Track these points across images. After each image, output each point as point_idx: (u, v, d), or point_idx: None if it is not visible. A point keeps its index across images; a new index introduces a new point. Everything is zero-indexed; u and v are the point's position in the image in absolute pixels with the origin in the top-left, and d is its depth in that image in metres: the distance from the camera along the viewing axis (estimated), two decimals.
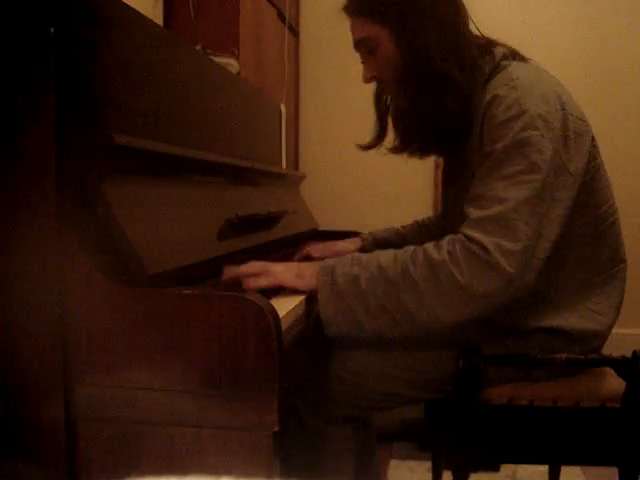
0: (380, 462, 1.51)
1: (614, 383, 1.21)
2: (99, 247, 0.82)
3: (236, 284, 1.06)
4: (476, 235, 1.01)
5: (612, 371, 1.25)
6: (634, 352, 1.15)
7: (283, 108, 1.97)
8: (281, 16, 2.23)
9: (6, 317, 0.83)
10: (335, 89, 2.55)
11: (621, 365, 1.17)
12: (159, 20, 1.71)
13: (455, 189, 1.28)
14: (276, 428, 0.78)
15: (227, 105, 1.39)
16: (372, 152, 2.54)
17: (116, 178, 0.88)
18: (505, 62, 1.16)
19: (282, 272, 1.08)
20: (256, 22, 1.94)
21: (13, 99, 0.82)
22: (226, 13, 1.75)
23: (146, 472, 0.81)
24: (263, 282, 1.05)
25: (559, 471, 1.56)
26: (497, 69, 1.15)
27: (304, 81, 2.57)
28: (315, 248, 1.52)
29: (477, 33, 1.23)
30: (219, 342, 0.79)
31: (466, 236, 1.03)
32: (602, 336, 1.19)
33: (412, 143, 1.27)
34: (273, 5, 2.13)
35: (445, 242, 1.04)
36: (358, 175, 2.55)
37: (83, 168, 0.84)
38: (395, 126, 1.26)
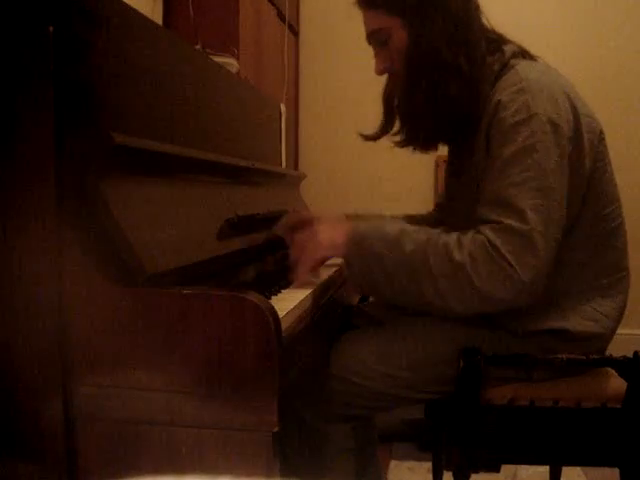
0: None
1: (615, 383, 1.20)
2: (98, 247, 0.82)
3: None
4: (499, 244, 1.04)
5: (613, 371, 1.25)
6: (635, 352, 1.15)
7: (283, 108, 1.96)
8: (281, 16, 2.23)
9: (6, 317, 0.83)
10: (335, 89, 2.55)
11: (622, 365, 1.17)
12: (159, 20, 1.71)
13: (459, 183, 1.28)
14: (276, 428, 0.78)
15: (227, 105, 1.38)
16: (372, 152, 2.53)
17: (116, 178, 0.87)
18: (514, 61, 1.16)
19: (315, 250, 1.16)
20: (256, 22, 1.94)
21: (12, 99, 0.82)
22: (226, 13, 1.75)
23: (146, 472, 0.81)
24: (302, 277, 1.16)
25: (560, 472, 1.55)
26: (506, 68, 1.15)
27: (304, 81, 2.57)
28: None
29: (489, 27, 1.22)
30: (219, 342, 0.78)
31: (489, 241, 1.05)
32: (605, 339, 1.19)
33: (417, 133, 1.26)
34: (273, 5, 2.13)
35: (468, 241, 1.06)
36: (358, 175, 2.55)
37: (82, 168, 0.83)
38: (401, 115, 1.26)
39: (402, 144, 1.29)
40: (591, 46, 2.33)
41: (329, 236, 1.17)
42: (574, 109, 1.09)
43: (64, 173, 0.82)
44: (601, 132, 1.16)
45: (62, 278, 0.81)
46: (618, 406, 1.16)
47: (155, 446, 0.81)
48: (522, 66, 1.13)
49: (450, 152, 1.39)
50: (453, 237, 1.08)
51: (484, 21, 1.21)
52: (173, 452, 0.81)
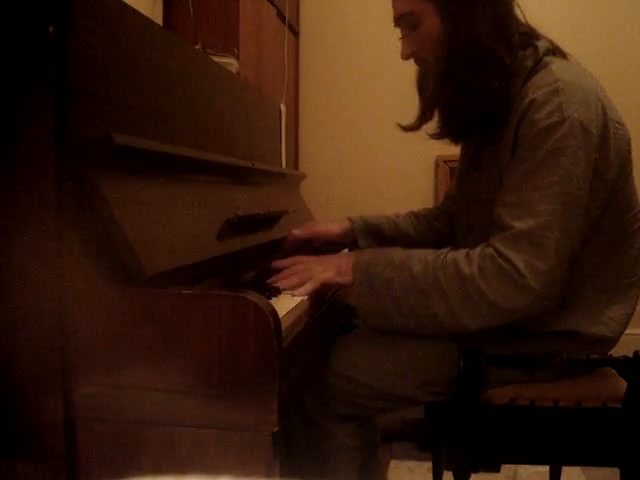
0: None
1: (615, 383, 1.20)
2: (98, 247, 0.82)
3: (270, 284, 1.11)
4: (508, 252, 1.03)
5: (613, 371, 1.24)
6: (635, 352, 1.15)
7: (283, 108, 1.96)
8: (281, 16, 2.23)
9: (6, 317, 0.83)
10: (335, 89, 2.54)
11: (622, 365, 1.17)
12: (158, 20, 1.71)
13: (475, 177, 1.25)
14: (276, 428, 0.78)
15: (227, 105, 1.38)
16: (372, 152, 2.53)
17: (116, 178, 0.87)
18: (548, 58, 1.13)
19: (323, 272, 1.14)
20: (256, 22, 1.94)
21: (12, 99, 0.82)
22: (226, 13, 1.75)
23: (146, 472, 0.81)
24: (309, 288, 1.11)
25: (560, 471, 1.55)
26: (539, 65, 1.12)
27: (304, 81, 2.57)
28: (296, 229, 1.46)
29: (522, 20, 1.19)
30: (219, 342, 0.78)
31: (497, 251, 1.04)
32: (612, 342, 1.19)
33: (452, 124, 1.22)
34: (273, 5, 2.13)
35: (476, 255, 1.06)
36: (358, 175, 2.55)
37: (83, 168, 0.84)
38: (435, 106, 1.22)
39: (436, 136, 1.26)
40: (592, 45, 2.34)
41: (336, 263, 1.15)
42: (605, 115, 1.08)
43: (64, 173, 0.81)
44: (629, 139, 1.14)
45: (62, 278, 0.81)
46: (618, 406, 1.16)
47: (155, 446, 0.81)
48: (557, 65, 1.11)
49: (468, 145, 1.34)
50: (462, 252, 1.08)
51: (518, 13, 1.17)
52: (173, 452, 0.81)
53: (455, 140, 1.29)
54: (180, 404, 0.80)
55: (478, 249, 1.07)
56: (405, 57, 1.21)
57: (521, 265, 1.02)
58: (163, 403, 0.80)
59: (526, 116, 1.07)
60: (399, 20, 1.19)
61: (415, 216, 1.57)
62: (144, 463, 0.81)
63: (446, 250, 1.11)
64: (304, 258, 1.20)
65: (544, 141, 1.04)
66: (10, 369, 0.83)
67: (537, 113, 1.05)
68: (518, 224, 1.04)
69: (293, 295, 1.08)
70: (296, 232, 1.44)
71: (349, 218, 1.52)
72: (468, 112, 1.16)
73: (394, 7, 1.19)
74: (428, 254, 1.11)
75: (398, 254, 1.12)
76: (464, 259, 1.06)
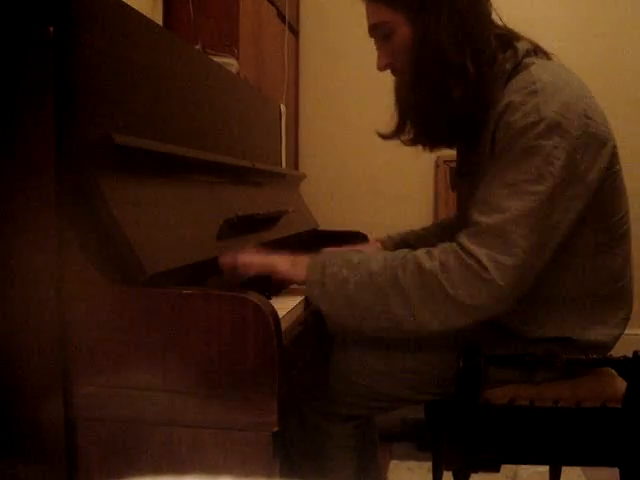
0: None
1: (615, 383, 1.20)
2: (99, 247, 0.82)
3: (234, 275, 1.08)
4: (471, 247, 1.01)
5: (613, 371, 1.25)
6: (635, 352, 1.15)
7: (283, 108, 1.96)
8: (281, 16, 2.23)
9: (6, 317, 0.83)
10: (335, 89, 2.55)
11: (622, 365, 1.17)
12: (159, 20, 1.71)
13: (467, 188, 1.24)
14: (276, 428, 0.78)
15: (227, 105, 1.38)
16: (372, 152, 2.53)
17: (116, 178, 0.87)
18: (528, 60, 1.11)
19: (278, 260, 1.10)
20: (256, 22, 1.94)
21: (12, 99, 0.82)
22: (226, 13, 1.75)
23: (146, 472, 0.81)
24: (256, 265, 1.08)
25: (560, 471, 1.55)
26: (519, 67, 1.10)
27: (304, 81, 2.57)
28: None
29: (500, 22, 1.17)
30: (219, 342, 0.78)
31: (461, 246, 1.02)
32: (608, 347, 1.18)
33: (423, 132, 1.21)
34: (273, 5, 2.13)
35: (438, 251, 1.04)
36: (358, 175, 2.55)
37: (82, 168, 0.84)
38: (407, 114, 1.21)
39: (408, 142, 1.25)
40: (592, 45, 2.33)
41: (291, 259, 1.11)
42: (586, 116, 1.05)
43: (64, 173, 0.81)
44: (612, 140, 1.10)
45: (62, 278, 0.81)
46: (618, 406, 1.16)
47: (155, 446, 0.81)
48: (536, 67, 1.08)
49: (458, 152, 1.35)
50: (422, 250, 1.06)
51: (494, 16, 1.15)
52: (173, 452, 0.81)
53: (429, 147, 1.28)
54: (180, 404, 0.80)
55: (440, 245, 1.05)
56: (381, 68, 1.20)
57: (484, 259, 0.99)
58: (163, 403, 0.80)
59: (502, 119, 1.05)
60: (372, 30, 1.18)
61: (439, 226, 1.56)
62: (144, 463, 0.81)
63: (407, 250, 1.08)
64: (258, 251, 1.15)
65: (518, 141, 1.02)
66: (10, 369, 0.83)
67: (513, 115, 1.03)
68: (484, 219, 1.02)
69: (242, 273, 1.07)
70: None
71: (379, 240, 1.53)
72: (435, 120, 1.16)
73: (367, 17, 1.17)
74: (388, 253, 1.08)
75: (359, 255, 1.09)
76: (425, 255, 1.03)
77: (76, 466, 0.83)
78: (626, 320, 1.19)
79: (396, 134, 1.26)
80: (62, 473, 0.83)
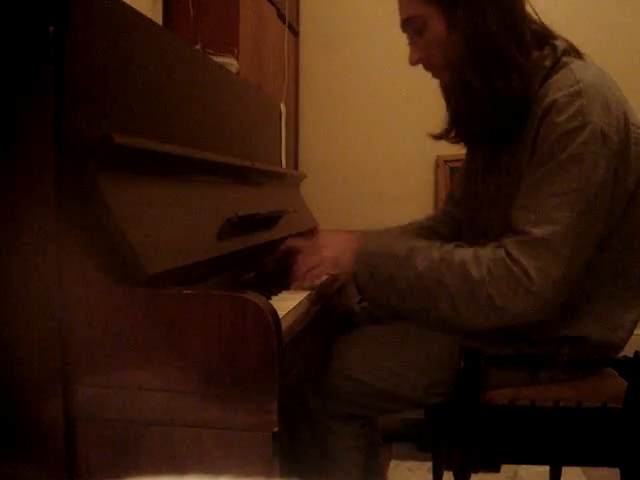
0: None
1: (616, 383, 1.20)
2: (99, 247, 0.82)
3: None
4: (521, 258, 1.02)
5: (614, 371, 1.25)
6: (635, 352, 1.15)
7: (283, 108, 1.96)
8: (281, 16, 2.23)
9: (6, 317, 0.83)
10: (335, 89, 2.54)
11: (623, 365, 1.17)
12: (158, 20, 1.71)
13: (494, 185, 1.21)
14: (276, 428, 0.78)
15: (227, 105, 1.38)
16: (372, 152, 2.53)
17: (115, 178, 0.87)
18: (567, 59, 1.10)
19: (328, 258, 1.18)
20: (256, 22, 1.94)
21: (12, 99, 0.82)
22: (226, 13, 1.75)
23: (146, 472, 0.81)
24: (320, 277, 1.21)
25: (560, 472, 1.55)
26: (558, 65, 1.10)
27: (304, 81, 2.57)
28: None
29: (535, 18, 1.16)
30: (219, 342, 0.78)
31: (510, 256, 1.03)
32: (618, 348, 1.18)
33: (475, 131, 1.19)
34: (273, 5, 2.13)
35: (486, 258, 1.04)
36: (358, 175, 2.55)
37: (82, 168, 0.84)
38: (455, 112, 1.19)
39: (454, 140, 1.23)
40: (595, 46, 2.33)
41: (334, 255, 1.17)
42: (625, 119, 1.06)
43: (64, 173, 0.81)
44: None
45: (62, 278, 0.81)
46: (618, 406, 1.16)
47: (155, 446, 0.81)
48: (577, 66, 1.08)
49: (471, 149, 1.32)
50: (469, 252, 1.06)
51: (529, 11, 1.14)
52: (173, 452, 0.81)
53: (471, 145, 1.27)
54: (180, 404, 0.79)
55: (488, 250, 1.05)
56: (413, 63, 1.18)
57: (533, 272, 1.01)
58: (163, 403, 0.80)
59: (547, 117, 1.05)
60: (405, 24, 1.16)
61: (421, 226, 1.54)
62: (144, 463, 0.81)
63: (451, 247, 1.08)
64: (302, 260, 1.22)
65: (564, 146, 1.02)
66: (10, 369, 0.83)
67: (558, 116, 1.03)
68: (535, 230, 1.02)
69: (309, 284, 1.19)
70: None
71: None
72: (493, 117, 1.12)
73: (400, 11, 1.16)
74: (433, 249, 1.09)
75: (400, 246, 1.12)
76: (473, 261, 1.04)
77: (76, 466, 0.83)
78: (637, 323, 1.18)
79: (449, 133, 1.24)
80: (62, 473, 0.83)
